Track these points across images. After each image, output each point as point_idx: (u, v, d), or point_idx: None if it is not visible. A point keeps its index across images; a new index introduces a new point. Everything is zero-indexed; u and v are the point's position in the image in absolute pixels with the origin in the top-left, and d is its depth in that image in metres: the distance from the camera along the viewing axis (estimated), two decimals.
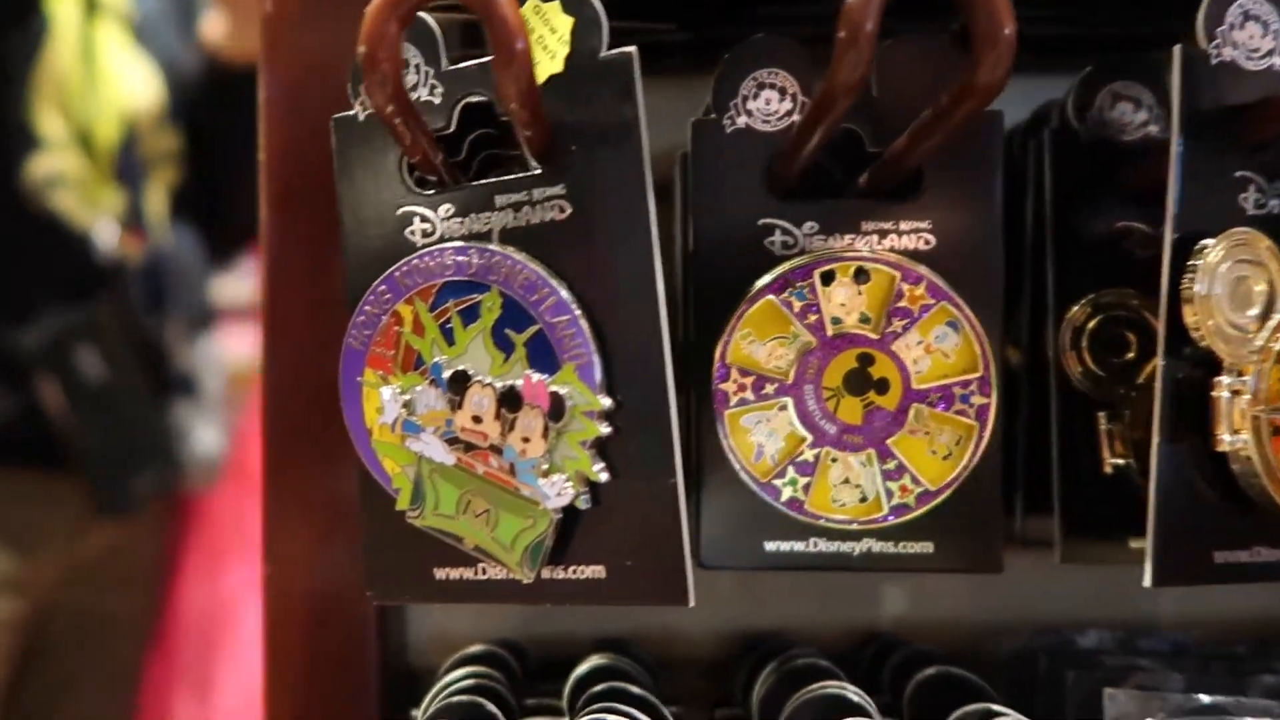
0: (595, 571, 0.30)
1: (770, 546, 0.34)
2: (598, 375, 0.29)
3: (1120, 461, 0.34)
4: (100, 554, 1.10)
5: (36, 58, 1.10)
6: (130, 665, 1.16)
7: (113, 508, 1.07)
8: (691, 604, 0.29)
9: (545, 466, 0.30)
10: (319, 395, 0.40)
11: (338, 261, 0.34)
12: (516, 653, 0.41)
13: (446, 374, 0.31)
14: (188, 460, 1.13)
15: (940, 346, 0.33)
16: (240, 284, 1.33)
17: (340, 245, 0.33)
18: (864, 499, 0.34)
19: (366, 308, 0.32)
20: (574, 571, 0.31)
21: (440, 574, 0.32)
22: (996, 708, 0.33)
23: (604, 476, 0.29)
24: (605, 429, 0.29)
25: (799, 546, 0.34)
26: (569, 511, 0.30)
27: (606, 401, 0.29)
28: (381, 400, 0.31)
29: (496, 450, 0.30)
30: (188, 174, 1.18)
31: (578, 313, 0.29)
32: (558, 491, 0.29)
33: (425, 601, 0.32)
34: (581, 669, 0.39)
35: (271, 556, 0.41)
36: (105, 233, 1.09)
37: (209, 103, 1.18)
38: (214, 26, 1.19)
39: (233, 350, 1.26)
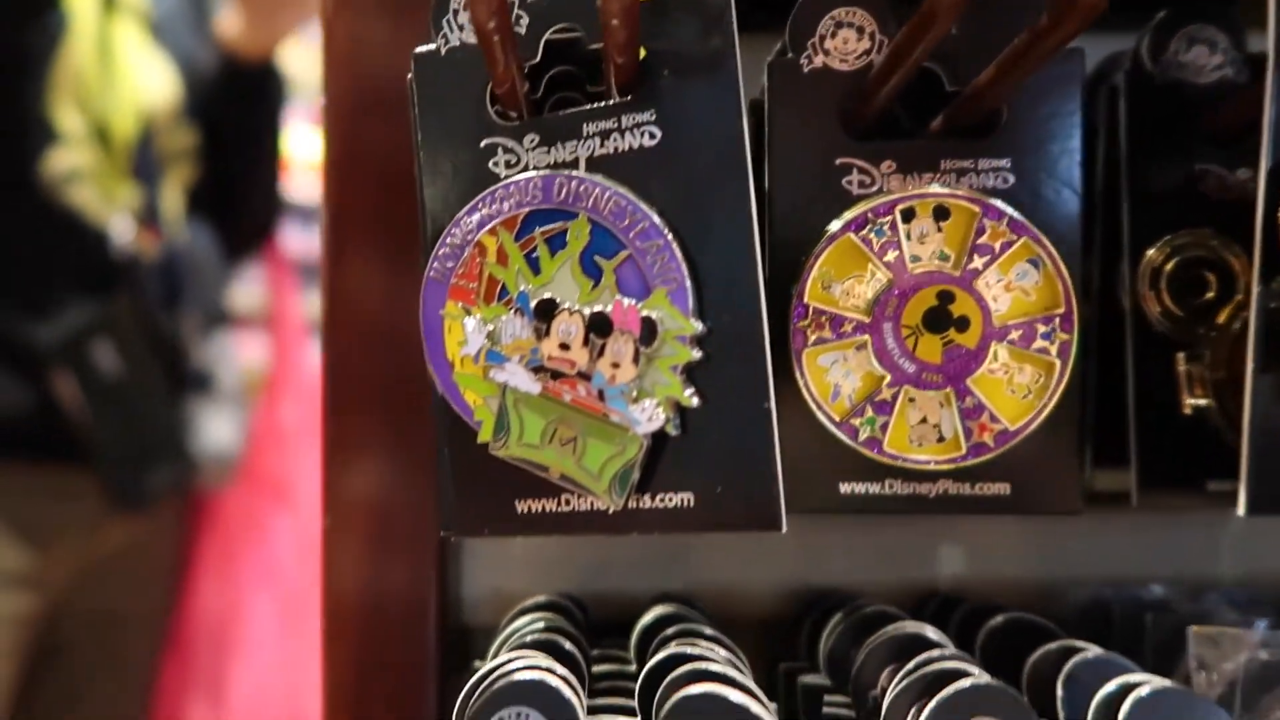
0: (684, 499, 0.30)
1: (845, 489, 0.34)
2: (690, 300, 0.29)
3: (1200, 403, 0.34)
4: (115, 551, 1.09)
5: (55, 53, 1.10)
6: (144, 664, 1.15)
7: (128, 503, 1.06)
8: (784, 529, 0.29)
9: (635, 392, 0.29)
10: (380, 345, 0.41)
11: (401, 210, 0.34)
12: (578, 605, 0.41)
13: (533, 303, 0.31)
14: (202, 456, 1.12)
15: (1021, 284, 0.33)
16: (249, 290, 1.33)
17: (416, 183, 0.33)
18: (942, 439, 0.34)
19: (449, 240, 0.32)
20: (662, 499, 0.30)
21: (522, 506, 0.31)
22: (1078, 643, 0.33)
23: (695, 401, 0.29)
24: (697, 354, 0.29)
25: (874, 489, 0.33)
26: (657, 438, 0.30)
27: (699, 326, 0.29)
28: (465, 332, 0.31)
29: (584, 377, 0.30)
30: (204, 171, 1.17)
31: (669, 237, 0.29)
32: (648, 417, 0.29)
33: (506, 535, 0.31)
34: (647, 618, 0.38)
35: (332, 510, 0.40)
36: (121, 228, 1.08)
37: (226, 100, 1.18)
38: (231, 23, 1.20)
39: (244, 355, 1.26)
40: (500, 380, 0.31)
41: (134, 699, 1.13)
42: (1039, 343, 0.33)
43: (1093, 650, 0.32)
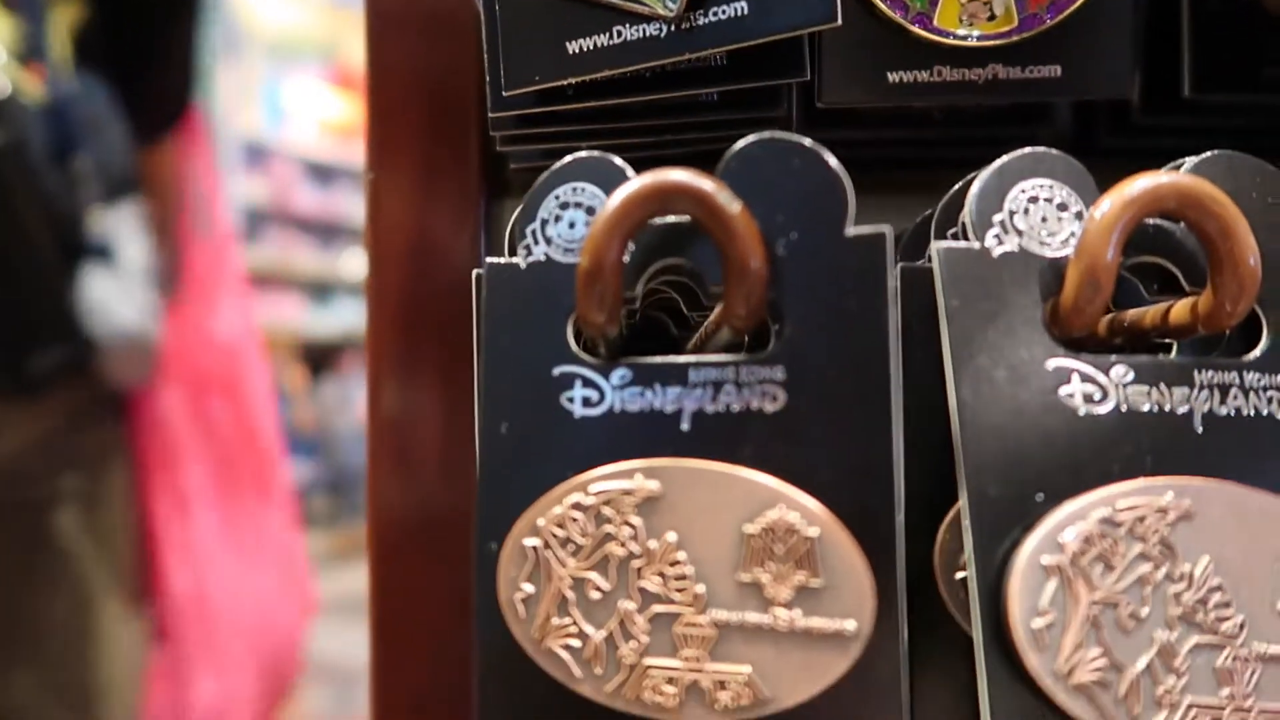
0: (738, 7, 0.30)
1: (893, 77, 0.32)
2: None
3: None
4: (25, 445, 0.93)
5: None
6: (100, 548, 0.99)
7: (10, 384, 0.89)
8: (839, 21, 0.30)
9: None
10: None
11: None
12: None
13: None
14: (102, 338, 0.92)
15: None
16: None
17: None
18: (993, 16, 0.32)
19: None
20: (717, 11, 0.30)
21: (573, 47, 0.32)
22: None
23: None
24: None
25: (923, 75, 0.32)
26: None
27: None
28: None
29: None
30: (93, 13, 0.95)
31: None
32: None
33: (558, 81, 0.33)
34: None
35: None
36: None
37: None
38: None
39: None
40: None
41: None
42: None
43: None
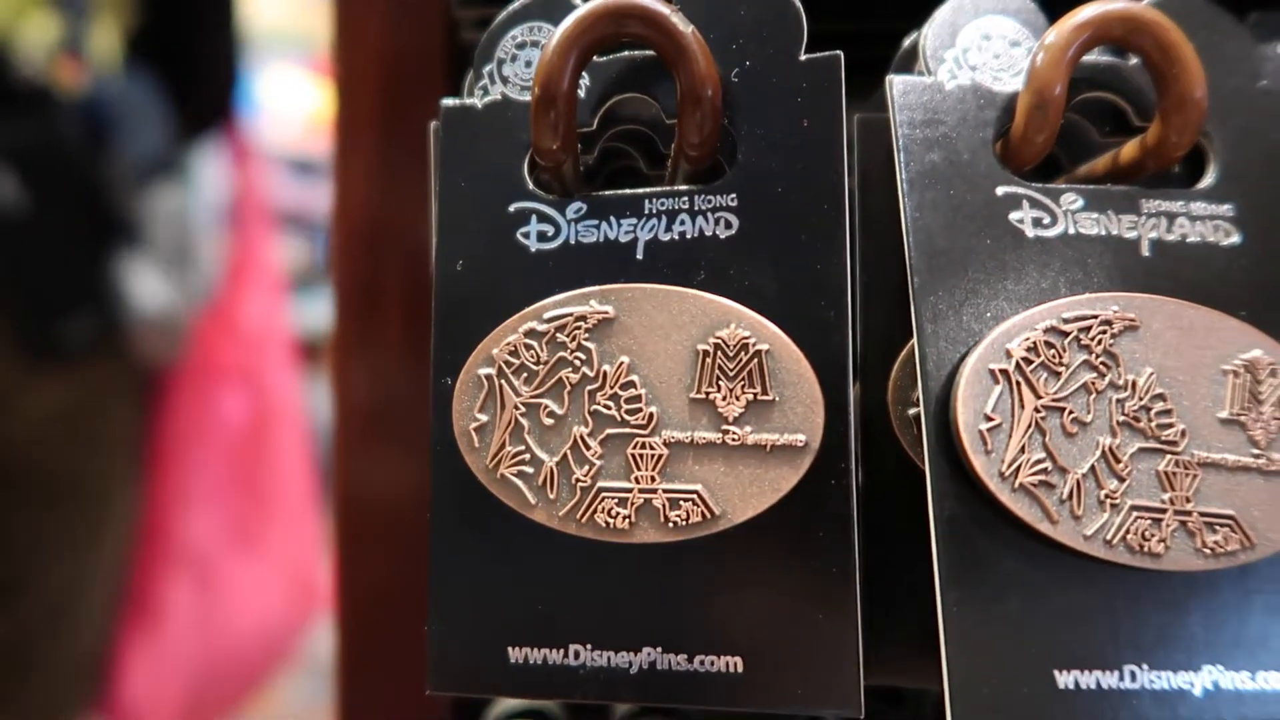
0: None
1: None
2: None
3: None
4: (52, 412, 0.95)
5: None
6: (106, 533, 1.00)
7: (38, 350, 0.92)
8: None
9: None
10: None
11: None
12: None
13: None
14: (131, 314, 0.96)
15: None
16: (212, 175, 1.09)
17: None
18: None
19: None
20: None
21: None
22: None
23: None
24: None
25: None
26: None
27: None
28: None
29: None
30: (147, 19, 1.00)
31: None
32: None
33: None
34: None
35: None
36: (32, 53, 0.91)
37: None
38: None
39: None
40: None
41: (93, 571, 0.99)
42: None
43: None
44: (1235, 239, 0.24)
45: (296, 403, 1.20)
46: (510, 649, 0.24)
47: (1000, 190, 0.24)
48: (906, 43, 0.28)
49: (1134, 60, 0.26)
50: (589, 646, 0.24)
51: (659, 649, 0.24)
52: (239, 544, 1.09)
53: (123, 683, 1.03)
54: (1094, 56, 0.26)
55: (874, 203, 0.27)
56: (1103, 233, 0.24)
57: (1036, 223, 0.24)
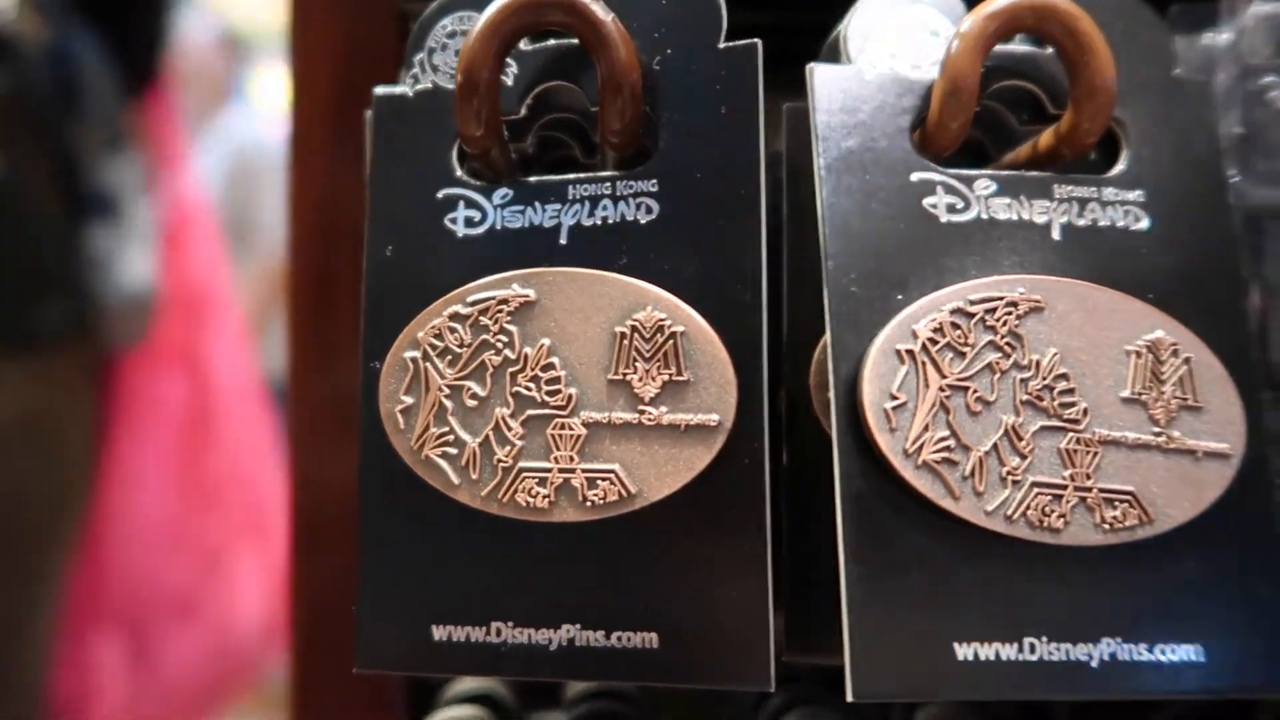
0: None
1: None
2: None
3: None
4: (15, 416, 0.84)
5: None
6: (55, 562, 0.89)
7: (11, 338, 0.83)
8: None
9: None
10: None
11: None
12: None
13: None
14: (108, 297, 0.88)
15: None
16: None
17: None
18: None
19: None
20: None
21: None
22: None
23: None
24: None
25: None
26: None
27: None
28: None
29: None
30: None
31: None
32: None
33: None
34: None
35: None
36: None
37: None
38: None
39: None
40: None
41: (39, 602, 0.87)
42: None
43: None
44: (1144, 224, 0.25)
45: (247, 382, 1.13)
46: (434, 627, 0.25)
47: (915, 176, 0.25)
48: (835, 34, 0.29)
49: (1051, 49, 0.26)
50: (510, 624, 0.24)
51: (578, 626, 0.24)
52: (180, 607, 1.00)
53: None
54: (1013, 45, 0.27)
55: (802, 190, 0.28)
56: (1014, 218, 0.25)
57: (950, 208, 0.25)
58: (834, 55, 0.28)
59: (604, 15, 0.24)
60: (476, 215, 0.26)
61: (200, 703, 1.06)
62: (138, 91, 1.00)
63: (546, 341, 0.25)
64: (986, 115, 0.28)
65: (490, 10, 0.25)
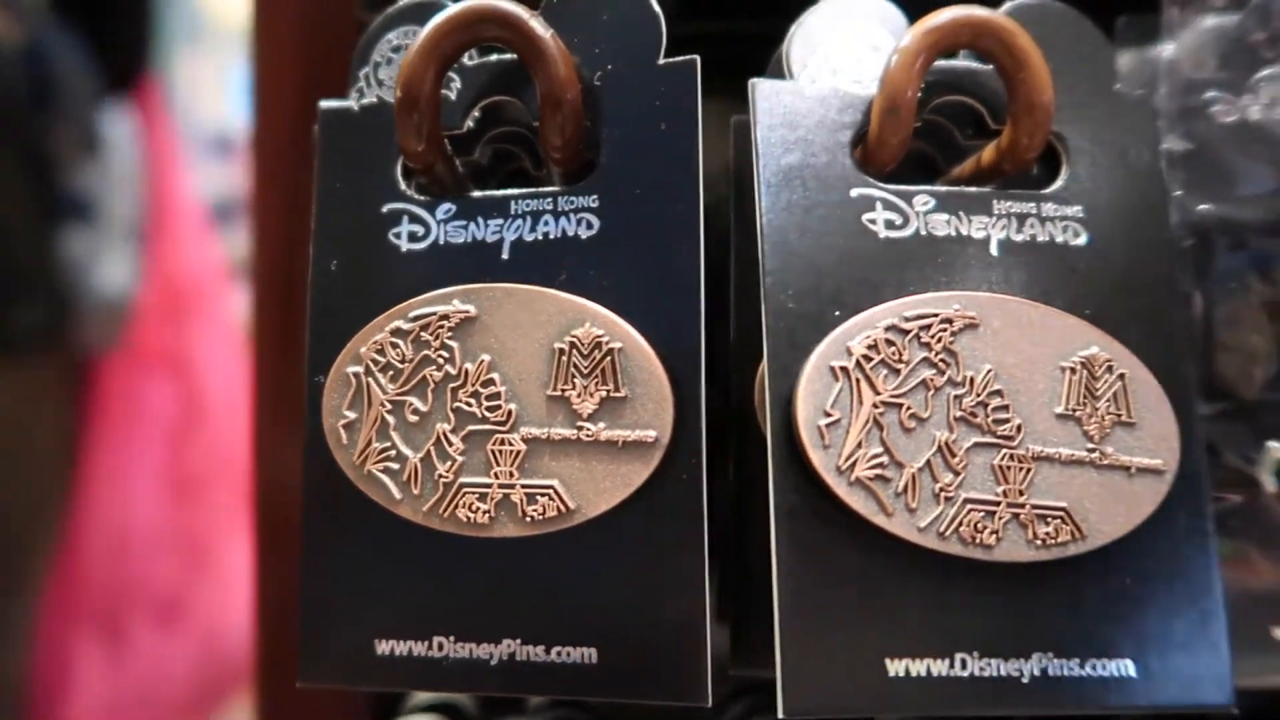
0: None
1: None
2: None
3: None
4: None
5: None
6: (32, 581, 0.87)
7: None
8: None
9: None
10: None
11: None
12: None
13: None
14: (84, 300, 0.87)
15: None
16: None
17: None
18: None
19: None
20: None
21: None
22: None
23: None
24: None
25: None
26: None
27: None
28: None
29: None
30: None
31: None
32: None
33: None
34: None
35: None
36: None
37: None
38: None
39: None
40: None
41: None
42: None
43: None
44: (1082, 239, 0.25)
45: (239, 382, 1.08)
46: (377, 641, 0.25)
47: (855, 192, 0.25)
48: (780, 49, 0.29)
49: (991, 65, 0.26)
50: (452, 639, 0.24)
51: (518, 640, 0.24)
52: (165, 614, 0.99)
53: None
54: (955, 61, 0.27)
55: (747, 204, 0.28)
56: (953, 233, 0.25)
57: (889, 224, 0.25)
58: (780, 70, 0.29)
59: (543, 31, 0.24)
60: (420, 230, 0.26)
61: (187, 706, 1.05)
62: (122, 90, 0.99)
63: (487, 357, 0.25)
64: (935, 130, 0.28)
65: (430, 26, 0.25)
